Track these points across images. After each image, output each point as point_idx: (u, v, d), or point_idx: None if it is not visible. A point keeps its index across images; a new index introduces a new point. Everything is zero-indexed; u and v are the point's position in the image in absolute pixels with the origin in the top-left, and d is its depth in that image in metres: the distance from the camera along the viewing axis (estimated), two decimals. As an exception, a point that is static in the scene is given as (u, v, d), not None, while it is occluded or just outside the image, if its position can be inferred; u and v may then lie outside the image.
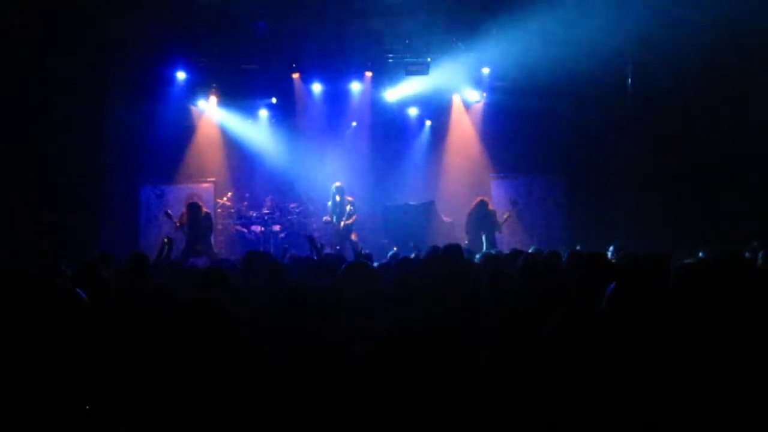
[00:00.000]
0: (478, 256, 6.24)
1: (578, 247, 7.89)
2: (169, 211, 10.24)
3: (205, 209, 10.47)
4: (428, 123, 13.27)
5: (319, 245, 6.65)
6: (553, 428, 2.11)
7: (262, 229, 12.08)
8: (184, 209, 10.21)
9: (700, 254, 5.40)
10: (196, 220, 9.93)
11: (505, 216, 10.58)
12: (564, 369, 2.21)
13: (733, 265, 3.20)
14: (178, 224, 10.02)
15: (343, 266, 4.05)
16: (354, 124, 13.13)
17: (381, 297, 3.47)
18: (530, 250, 6.60)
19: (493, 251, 7.10)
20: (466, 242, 9.86)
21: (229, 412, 2.13)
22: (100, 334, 2.79)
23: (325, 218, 11.28)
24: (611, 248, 7.71)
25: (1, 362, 2.57)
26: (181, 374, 2.19)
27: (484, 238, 10.07)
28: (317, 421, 2.14)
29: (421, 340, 2.13)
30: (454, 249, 5.42)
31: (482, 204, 10.43)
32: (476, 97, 12.78)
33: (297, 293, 2.79)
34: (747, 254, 5.89)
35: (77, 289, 3.20)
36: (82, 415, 2.42)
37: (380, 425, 2.00)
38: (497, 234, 10.43)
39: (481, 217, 10.29)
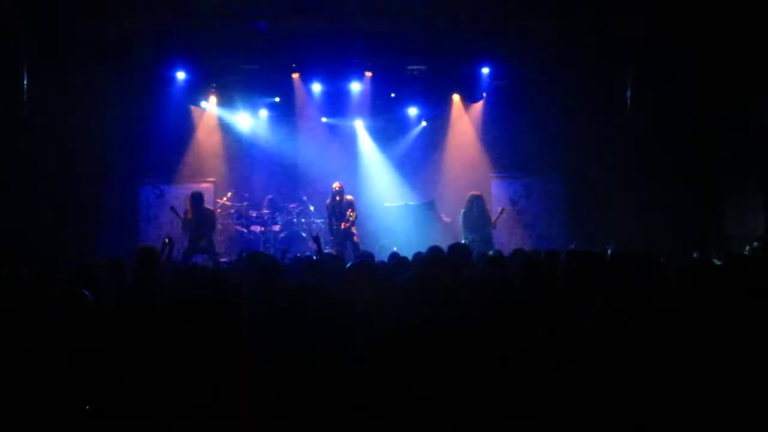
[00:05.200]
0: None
1: (573, 246, 7.87)
2: (174, 206, 10.29)
3: (206, 206, 10.47)
4: (427, 123, 13.25)
5: (322, 246, 6.67)
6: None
7: (262, 229, 12.09)
8: (187, 204, 10.19)
9: (695, 254, 5.43)
10: (200, 212, 9.93)
11: (499, 210, 10.43)
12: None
13: (733, 265, 3.22)
14: (183, 219, 10.05)
15: (348, 266, 4.04)
16: (356, 123, 13.14)
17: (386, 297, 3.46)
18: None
19: (491, 251, 7.08)
20: (463, 241, 9.76)
21: (231, 414, 2.14)
22: (103, 334, 2.80)
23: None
24: (609, 249, 7.68)
25: (1, 363, 2.57)
26: (185, 376, 2.20)
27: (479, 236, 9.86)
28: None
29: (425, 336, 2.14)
30: (460, 248, 5.40)
31: (477, 199, 10.08)
32: (476, 96, 12.77)
33: (298, 294, 2.80)
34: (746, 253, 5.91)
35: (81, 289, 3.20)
36: (82, 416, 2.43)
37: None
38: (492, 232, 10.24)
39: (477, 215, 10.01)
